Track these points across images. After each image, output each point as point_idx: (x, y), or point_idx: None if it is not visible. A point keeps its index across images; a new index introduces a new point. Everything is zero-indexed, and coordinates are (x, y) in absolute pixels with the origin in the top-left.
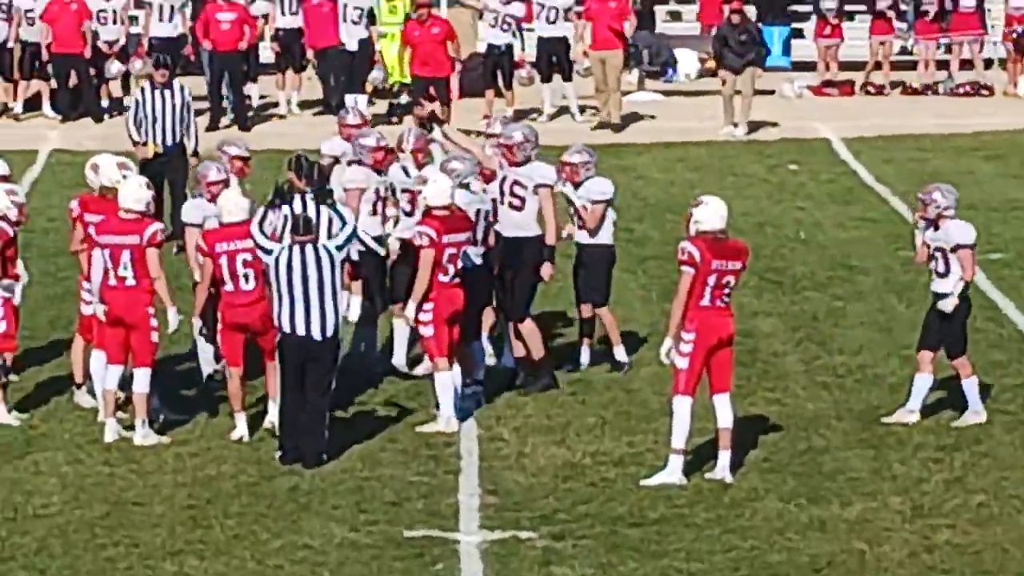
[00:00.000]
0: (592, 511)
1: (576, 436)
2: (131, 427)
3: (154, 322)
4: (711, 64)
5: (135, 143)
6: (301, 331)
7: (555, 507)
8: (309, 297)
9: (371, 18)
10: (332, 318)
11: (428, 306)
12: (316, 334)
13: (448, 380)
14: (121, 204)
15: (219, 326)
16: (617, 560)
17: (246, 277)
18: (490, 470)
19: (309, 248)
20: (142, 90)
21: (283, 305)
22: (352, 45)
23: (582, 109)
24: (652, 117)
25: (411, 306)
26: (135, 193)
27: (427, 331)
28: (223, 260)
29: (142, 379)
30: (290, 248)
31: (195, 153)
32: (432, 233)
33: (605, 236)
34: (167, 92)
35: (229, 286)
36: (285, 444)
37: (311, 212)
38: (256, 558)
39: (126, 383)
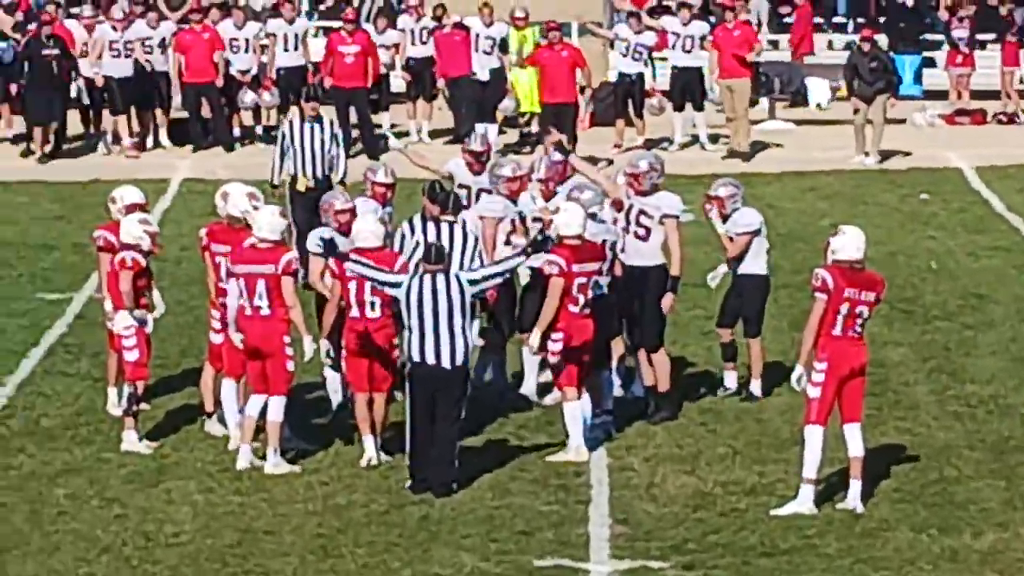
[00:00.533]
0: (723, 541)
1: (707, 465)
2: (263, 456)
3: (289, 351)
4: (843, 92)
5: (272, 182)
6: (431, 360)
7: (685, 537)
8: (439, 326)
9: (503, 48)
10: (462, 347)
11: (558, 336)
12: (446, 363)
13: (577, 410)
14: (256, 233)
15: (343, 352)
16: None
17: (372, 304)
18: (620, 499)
19: (440, 277)
20: (291, 124)
21: (413, 334)
22: (484, 75)
23: (713, 139)
24: (779, 145)
25: (535, 334)
26: (270, 222)
27: (557, 361)
28: (352, 285)
29: (276, 408)
30: (421, 277)
31: (342, 182)
32: (562, 262)
33: (758, 266)
34: (316, 126)
35: (355, 312)
36: (415, 474)
37: (444, 240)
38: None
39: (260, 412)
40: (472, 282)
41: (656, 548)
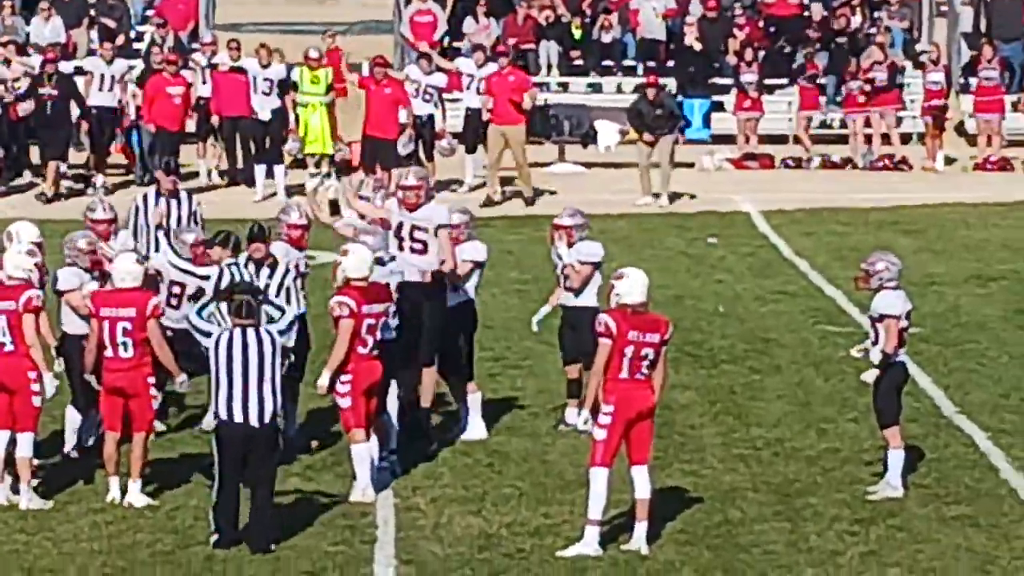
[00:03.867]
0: None
1: (493, 506)
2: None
3: (35, 387)
4: (632, 135)
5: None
6: (239, 418)
7: None
8: (248, 382)
9: (283, 89)
10: (271, 404)
11: (346, 377)
12: (255, 421)
13: (365, 451)
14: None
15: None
16: None
17: (124, 345)
18: (406, 540)
19: (251, 332)
20: (144, 198)
21: (221, 390)
22: (264, 115)
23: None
24: (553, 193)
25: (325, 375)
26: (14, 260)
27: (345, 402)
28: (104, 325)
29: (25, 444)
30: (231, 331)
31: None
32: (352, 304)
33: (590, 298)
34: (173, 201)
35: (109, 351)
36: (221, 529)
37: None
38: None
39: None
40: (281, 332)
41: None
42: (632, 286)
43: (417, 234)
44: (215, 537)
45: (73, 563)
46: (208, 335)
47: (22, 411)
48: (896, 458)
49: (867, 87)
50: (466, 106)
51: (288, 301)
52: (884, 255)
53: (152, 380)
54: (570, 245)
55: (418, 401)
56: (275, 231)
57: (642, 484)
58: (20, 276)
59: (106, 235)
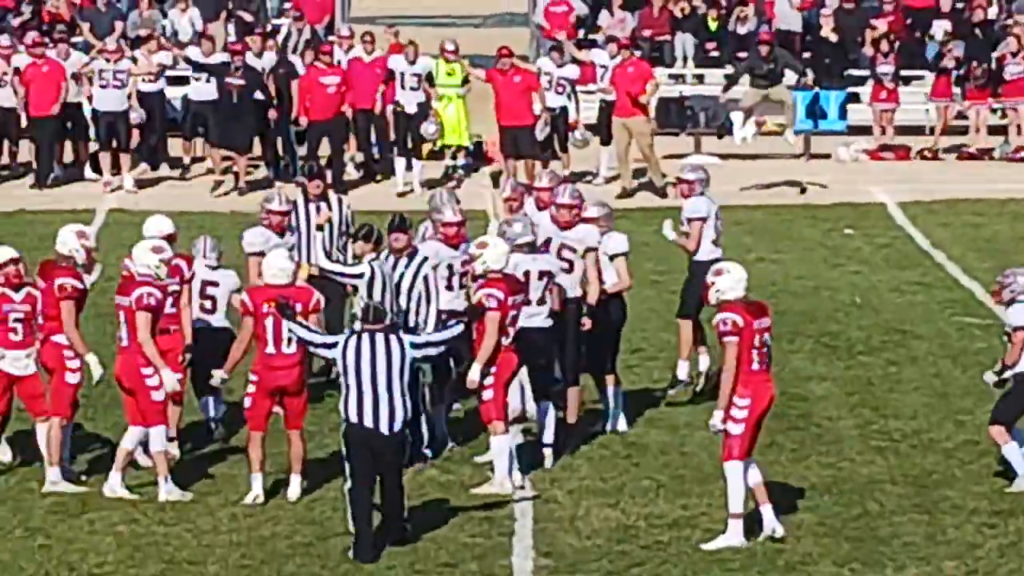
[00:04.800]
0: (646, 574)
1: (631, 498)
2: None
3: (151, 382)
4: (768, 126)
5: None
6: (369, 424)
7: (608, 570)
8: (377, 388)
9: (429, 81)
10: (400, 412)
11: (490, 369)
12: (384, 428)
13: (504, 442)
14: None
15: (250, 387)
16: None
17: (289, 340)
18: (544, 532)
19: (379, 337)
20: (295, 204)
21: (350, 394)
22: (411, 108)
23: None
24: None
25: (476, 369)
26: (139, 255)
27: (488, 394)
28: (269, 321)
29: (156, 438)
30: (359, 336)
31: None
32: (500, 295)
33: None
34: (322, 205)
35: (271, 348)
36: (360, 537)
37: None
38: None
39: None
40: (414, 345)
41: None
42: (735, 281)
43: (565, 253)
44: (352, 548)
45: (212, 554)
46: (332, 347)
47: (144, 407)
48: (1011, 451)
49: (980, 79)
50: (600, 98)
51: (427, 295)
52: (1020, 271)
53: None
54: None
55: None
56: (428, 229)
57: (754, 471)
58: (143, 272)
59: (280, 227)
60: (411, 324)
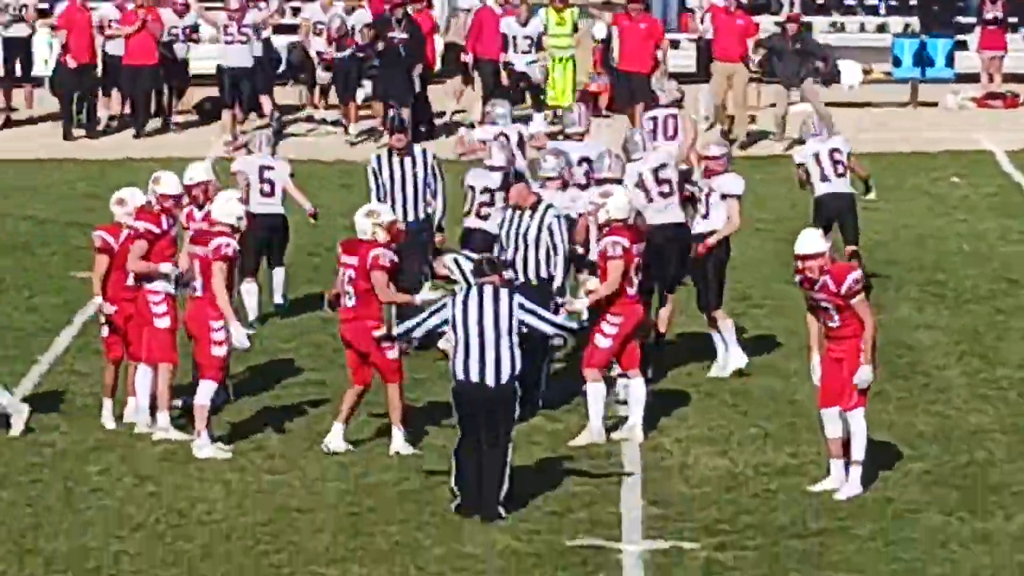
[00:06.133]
0: (754, 522)
1: (738, 446)
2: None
3: (217, 336)
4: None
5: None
6: (475, 379)
7: (717, 517)
8: (485, 343)
9: (539, 46)
10: (508, 366)
11: (616, 319)
12: (491, 381)
13: (601, 391)
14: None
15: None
16: (779, 571)
17: (348, 295)
18: (653, 480)
19: (489, 291)
20: (378, 158)
21: (458, 350)
22: (520, 67)
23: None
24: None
25: (584, 301)
26: (221, 205)
27: (605, 342)
28: (345, 273)
29: (204, 391)
30: (468, 290)
31: (439, 227)
32: (626, 243)
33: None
34: (407, 159)
35: (347, 301)
36: (463, 494)
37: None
38: (418, 565)
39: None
40: (523, 308)
41: (688, 529)
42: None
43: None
44: (455, 502)
45: (320, 502)
46: (443, 313)
47: (204, 358)
48: None
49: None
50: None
51: (554, 245)
52: None
53: (379, 333)
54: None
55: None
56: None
57: (836, 424)
58: (224, 222)
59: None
60: (542, 276)
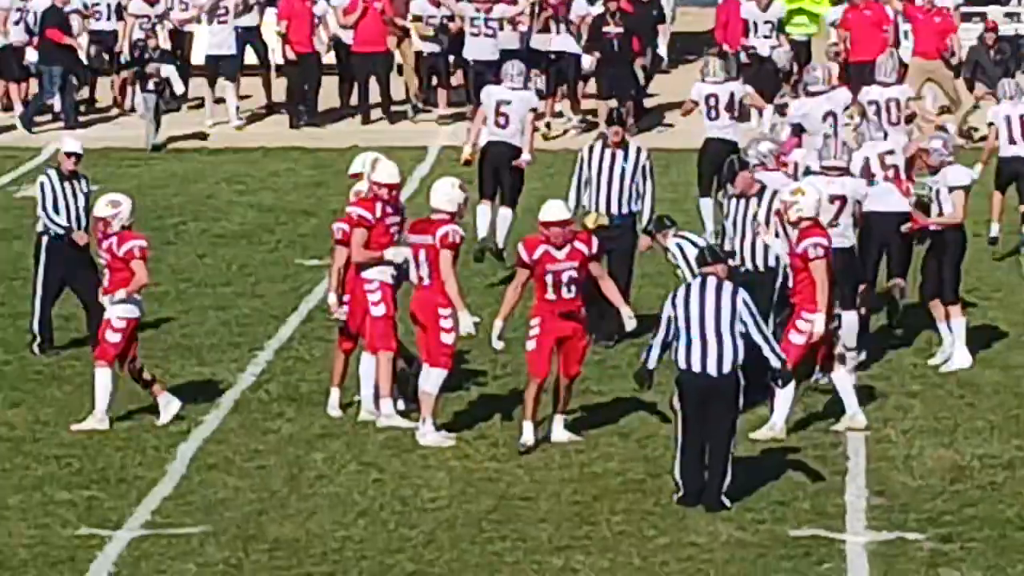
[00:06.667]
0: (980, 514)
1: (964, 439)
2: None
3: (445, 323)
4: None
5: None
6: (697, 368)
7: (943, 509)
8: (706, 332)
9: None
10: (731, 355)
11: (811, 316)
12: (713, 371)
13: (848, 379)
14: (432, 203)
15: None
16: (1006, 563)
17: (568, 286)
18: (877, 471)
19: (712, 281)
20: (590, 149)
21: (681, 339)
22: (764, 51)
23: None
24: None
25: (821, 319)
26: (447, 193)
27: (799, 339)
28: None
29: (433, 378)
30: (690, 283)
31: (646, 230)
32: (825, 242)
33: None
34: (619, 153)
35: (550, 294)
36: (686, 485)
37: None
38: (642, 555)
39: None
40: (748, 308)
41: (913, 520)
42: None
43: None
44: (679, 492)
45: (544, 490)
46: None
47: (432, 345)
48: None
49: None
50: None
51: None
52: None
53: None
54: (934, 171)
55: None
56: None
57: None
58: (445, 209)
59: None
60: (769, 265)
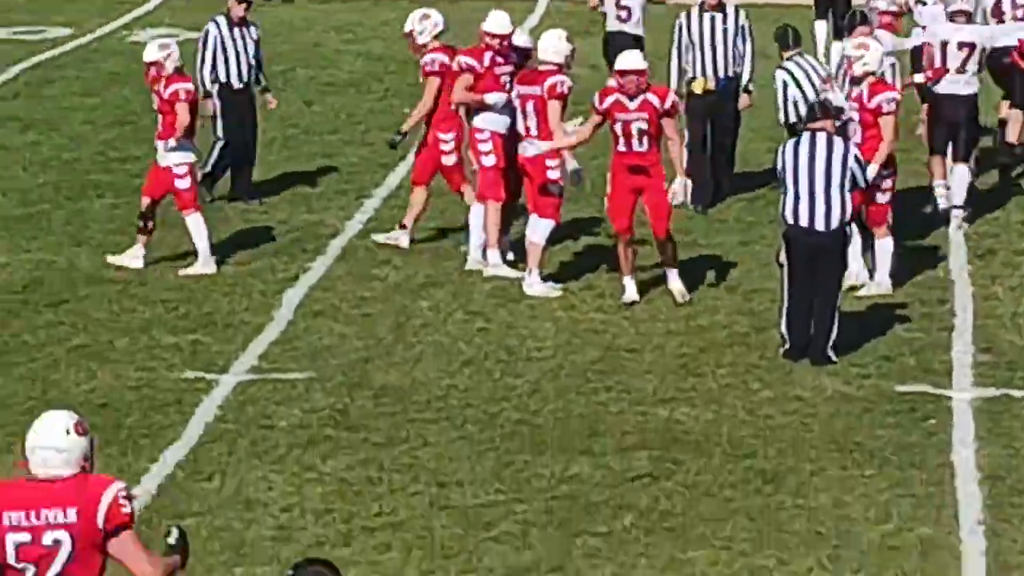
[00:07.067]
0: None
1: None
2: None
3: (552, 174)
4: None
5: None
6: (805, 223)
7: None
8: (815, 187)
9: None
10: (838, 211)
11: (887, 172)
12: (820, 226)
13: (889, 245)
14: (540, 56)
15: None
16: None
17: (640, 138)
18: (984, 328)
19: (822, 137)
20: (688, 14)
21: (788, 194)
22: None
23: None
24: None
25: (873, 168)
26: (549, 42)
27: (884, 198)
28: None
29: (540, 229)
30: (800, 135)
31: (747, 89)
32: (899, 97)
33: None
34: (717, 16)
35: (621, 146)
36: (792, 339)
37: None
38: (747, 408)
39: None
40: (858, 162)
41: (1019, 378)
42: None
43: None
44: (784, 346)
45: (649, 342)
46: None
47: (538, 197)
48: None
49: None
50: None
51: None
52: None
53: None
54: None
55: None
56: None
57: None
58: (552, 60)
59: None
60: None
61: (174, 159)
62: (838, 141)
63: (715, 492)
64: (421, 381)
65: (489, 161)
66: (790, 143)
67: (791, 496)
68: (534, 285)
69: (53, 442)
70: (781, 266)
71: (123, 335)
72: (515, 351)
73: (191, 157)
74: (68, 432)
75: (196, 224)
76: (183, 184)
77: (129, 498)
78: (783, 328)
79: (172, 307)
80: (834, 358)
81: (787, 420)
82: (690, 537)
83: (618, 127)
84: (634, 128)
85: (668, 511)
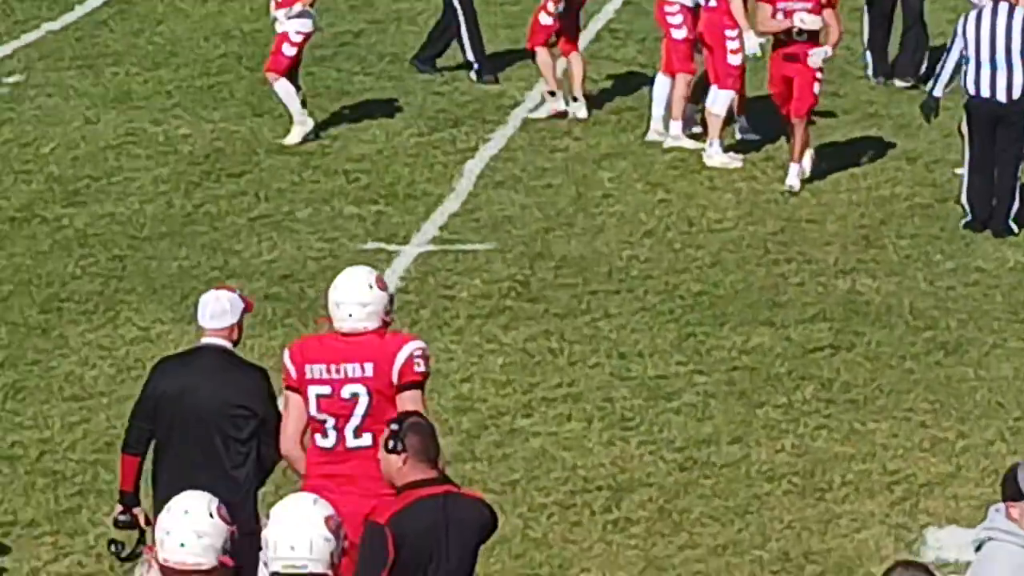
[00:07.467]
0: None
1: None
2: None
3: (731, 44)
4: None
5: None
6: (986, 94)
7: None
8: (996, 59)
9: None
10: (1021, 81)
11: None
12: (1002, 97)
13: None
14: None
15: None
16: None
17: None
18: None
19: (1003, 7)
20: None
21: (970, 66)
22: None
23: None
24: None
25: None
26: None
27: None
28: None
29: (720, 100)
30: (981, 8)
31: None
32: None
33: None
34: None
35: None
36: (973, 210)
37: None
38: (928, 279)
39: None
40: None
41: None
42: None
43: None
44: (966, 219)
45: (831, 213)
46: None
47: (719, 67)
48: None
49: None
50: None
51: None
52: None
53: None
54: None
55: None
56: None
57: None
58: None
59: None
60: None
61: (295, 26)
62: (1019, 11)
63: (896, 363)
64: (602, 252)
65: (680, 34)
66: (972, 13)
67: (972, 367)
68: (714, 156)
69: (357, 296)
70: (963, 137)
71: (305, 205)
72: (695, 222)
73: (309, 27)
74: (371, 287)
75: (284, 88)
76: (289, 52)
77: (425, 357)
78: (964, 199)
79: (354, 178)
80: (1015, 229)
81: (968, 291)
82: (871, 408)
83: (779, 15)
84: (796, 19)
85: (849, 382)
